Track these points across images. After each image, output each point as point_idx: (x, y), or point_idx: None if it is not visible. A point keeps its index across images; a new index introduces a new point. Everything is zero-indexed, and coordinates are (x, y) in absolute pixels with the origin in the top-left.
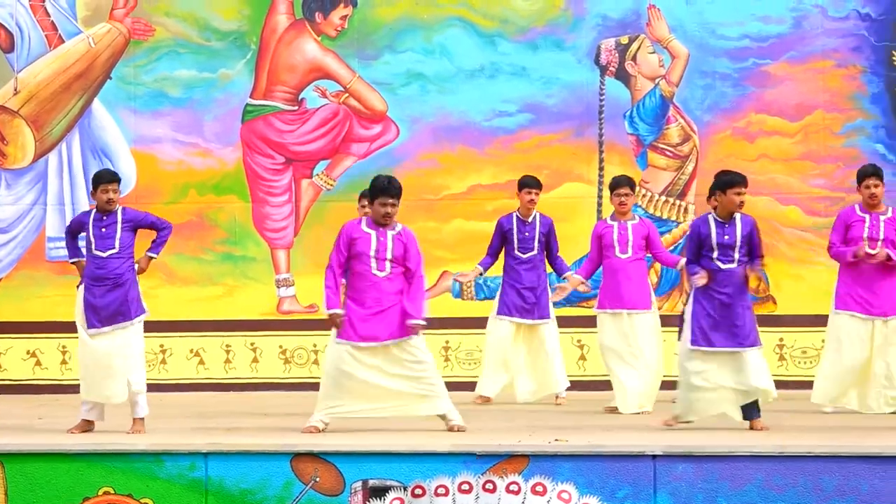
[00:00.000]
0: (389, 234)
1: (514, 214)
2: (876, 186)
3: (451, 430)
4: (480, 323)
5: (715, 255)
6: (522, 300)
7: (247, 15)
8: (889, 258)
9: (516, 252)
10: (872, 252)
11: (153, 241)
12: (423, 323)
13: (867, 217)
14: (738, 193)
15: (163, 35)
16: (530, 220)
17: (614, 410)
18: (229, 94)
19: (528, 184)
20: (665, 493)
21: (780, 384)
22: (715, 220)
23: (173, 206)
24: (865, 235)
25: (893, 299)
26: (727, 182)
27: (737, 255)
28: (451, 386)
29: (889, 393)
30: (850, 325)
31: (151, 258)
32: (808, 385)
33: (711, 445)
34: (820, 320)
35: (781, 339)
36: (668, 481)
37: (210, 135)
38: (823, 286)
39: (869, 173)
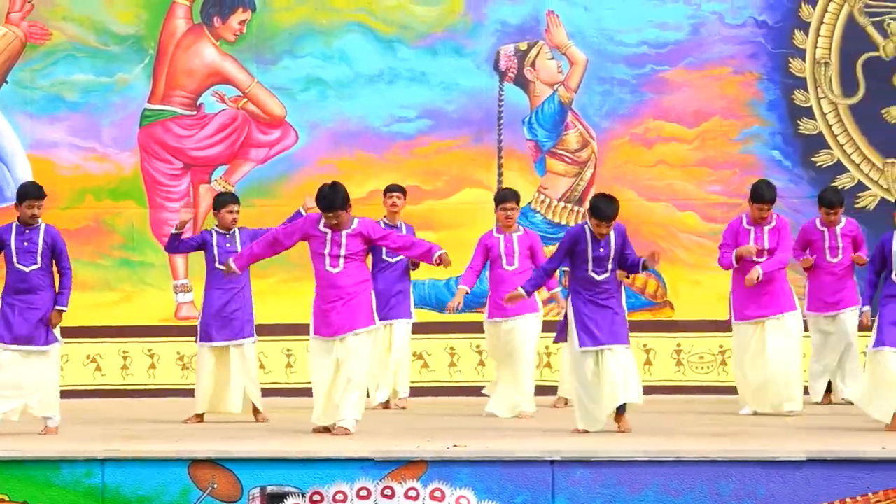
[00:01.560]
0: (344, 233)
1: (382, 220)
2: (768, 211)
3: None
4: None
5: (590, 267)
6: (385, 303)
7: (144, 19)
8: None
9: (384, 257)
10: (757, 258)
11: (58, 293)
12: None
13: (752, 230)
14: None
15: (59, 39)
16: (397, 226)
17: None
18: (127, 99)
19: (390, 189)
20: (563, 499)
21: (677, 389)
22: (591, 232)
23: (70, 212)
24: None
25: (781, 299)
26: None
27: (610, 266)
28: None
29: (785, 392)
30: (747, 333)
31: (62, 311)
32: (705, 390)
33: (609, 451)
34: (718, 325)
35: (679, 345)
36: (566, 486)
37: (107, 139)
38: (721, 291)
39: (766, 199)
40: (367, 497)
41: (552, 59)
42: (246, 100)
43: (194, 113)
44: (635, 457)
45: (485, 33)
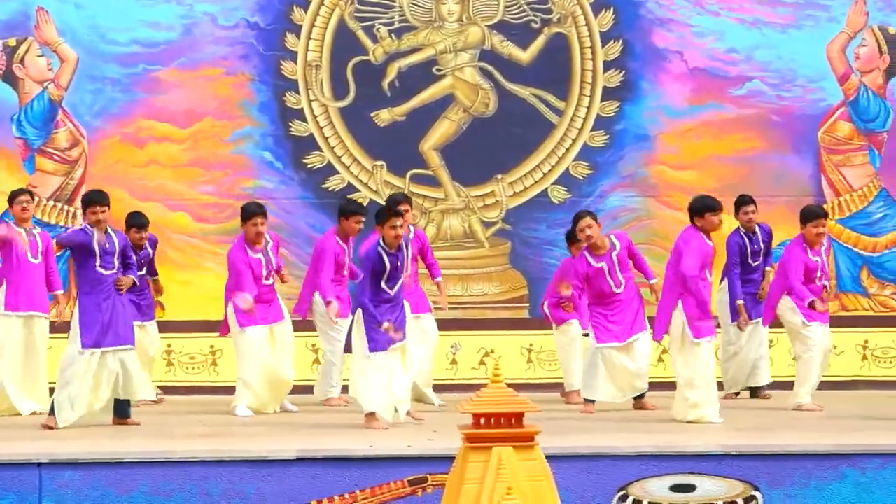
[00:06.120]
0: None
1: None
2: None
3: None
4: None
5: (98, 262)
6: None
7: None
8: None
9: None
10: None
11: None
12: None
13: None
14: None
15: None
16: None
17: None
18: None
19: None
20: (51, 501)
21: (170, 390)
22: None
23: None
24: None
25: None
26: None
27: (116, 263)
28: None
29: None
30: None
31: None
32: (197, 390)
33: (98, 452)
34: (209, 325)
35: (170, 346)
36: (54, 489)
37: None
38: (211, 292)
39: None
40: None
41: (42, 56)
42: None
43: None
44: (124, 458)
45: None
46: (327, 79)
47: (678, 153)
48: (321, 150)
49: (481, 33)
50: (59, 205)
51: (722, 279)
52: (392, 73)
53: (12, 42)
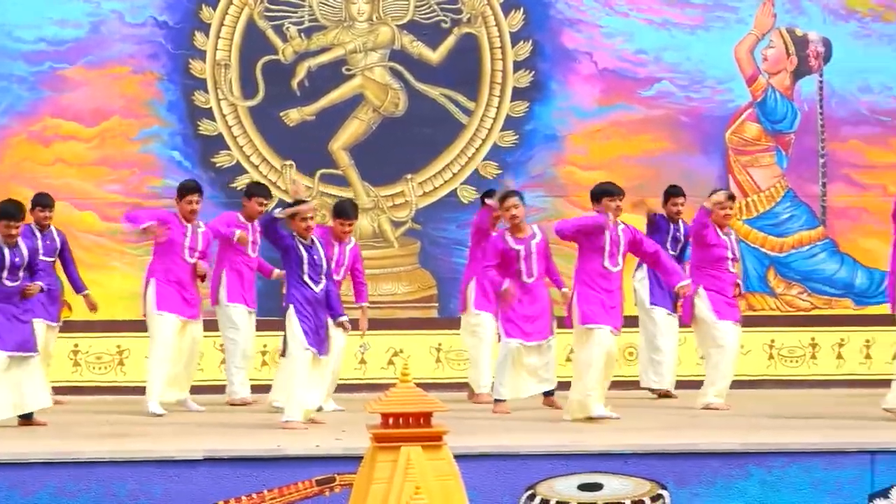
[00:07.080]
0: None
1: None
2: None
3: None
4: None
5: (5, 275)
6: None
7: None
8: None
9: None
10: None
11: None
12: None
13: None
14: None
15: None
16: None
17: None
18: None
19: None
20: None
21: (76, 390)
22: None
23: None
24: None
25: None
26: None
27: (22, 275)
28: None
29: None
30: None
31: None
32: (102, 390)
33: (2, 453)
34: (115, 325)
35: (77, 346)
36: None
37: None
38: (118, 291)
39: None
40: None
41: None
42: None
43: None
44: (29, 459)
45: None
46: (236, 78)
47: (587, 153)
48: (230, 150)
49: (391, 33)
50: None
51: (638, 267)
52: (301, 72)
53: None
